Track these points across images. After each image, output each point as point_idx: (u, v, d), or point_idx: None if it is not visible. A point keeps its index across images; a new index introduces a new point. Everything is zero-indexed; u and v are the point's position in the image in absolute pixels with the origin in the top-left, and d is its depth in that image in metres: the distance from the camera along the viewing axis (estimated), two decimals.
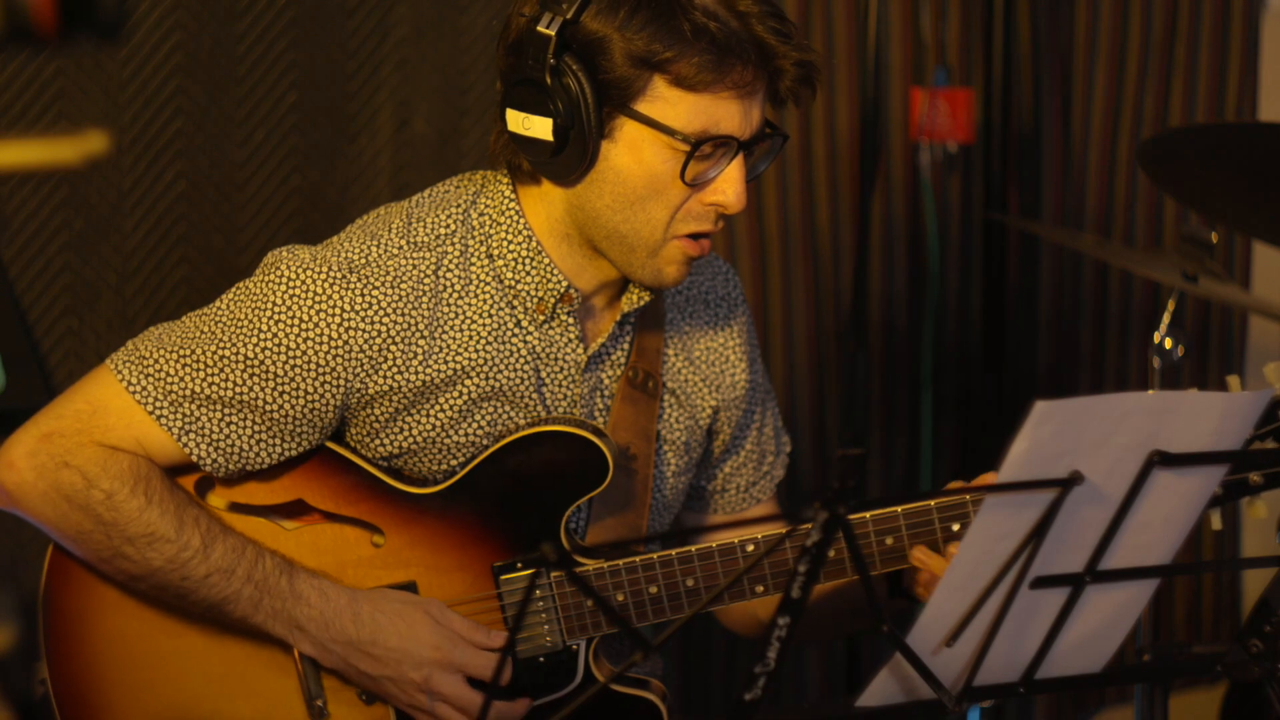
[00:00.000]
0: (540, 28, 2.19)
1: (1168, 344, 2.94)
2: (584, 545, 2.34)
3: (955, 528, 2.24)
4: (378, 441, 2.30)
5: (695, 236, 2.26)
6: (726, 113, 2.20)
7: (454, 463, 2.31)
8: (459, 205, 2.32)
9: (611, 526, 2.35)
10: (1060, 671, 1.95)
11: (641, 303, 2.35)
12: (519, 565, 2.30)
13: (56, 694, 2.30)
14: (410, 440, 2.30)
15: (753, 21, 2.20)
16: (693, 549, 2.27)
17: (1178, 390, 2.26)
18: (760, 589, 2.27)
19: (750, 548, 2.26)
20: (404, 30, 3.16)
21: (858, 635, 3.48)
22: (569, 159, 2.22)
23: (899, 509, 2.24)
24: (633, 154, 2.22)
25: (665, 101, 2.19)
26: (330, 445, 2.31)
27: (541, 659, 2.29)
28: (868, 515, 2.24)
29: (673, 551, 2.27)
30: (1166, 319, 2.94)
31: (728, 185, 2.23)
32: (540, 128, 2.21)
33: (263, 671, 2.30)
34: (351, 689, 2.30)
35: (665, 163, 2.21)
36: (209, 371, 2.24)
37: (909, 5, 3.53)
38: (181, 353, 2.25)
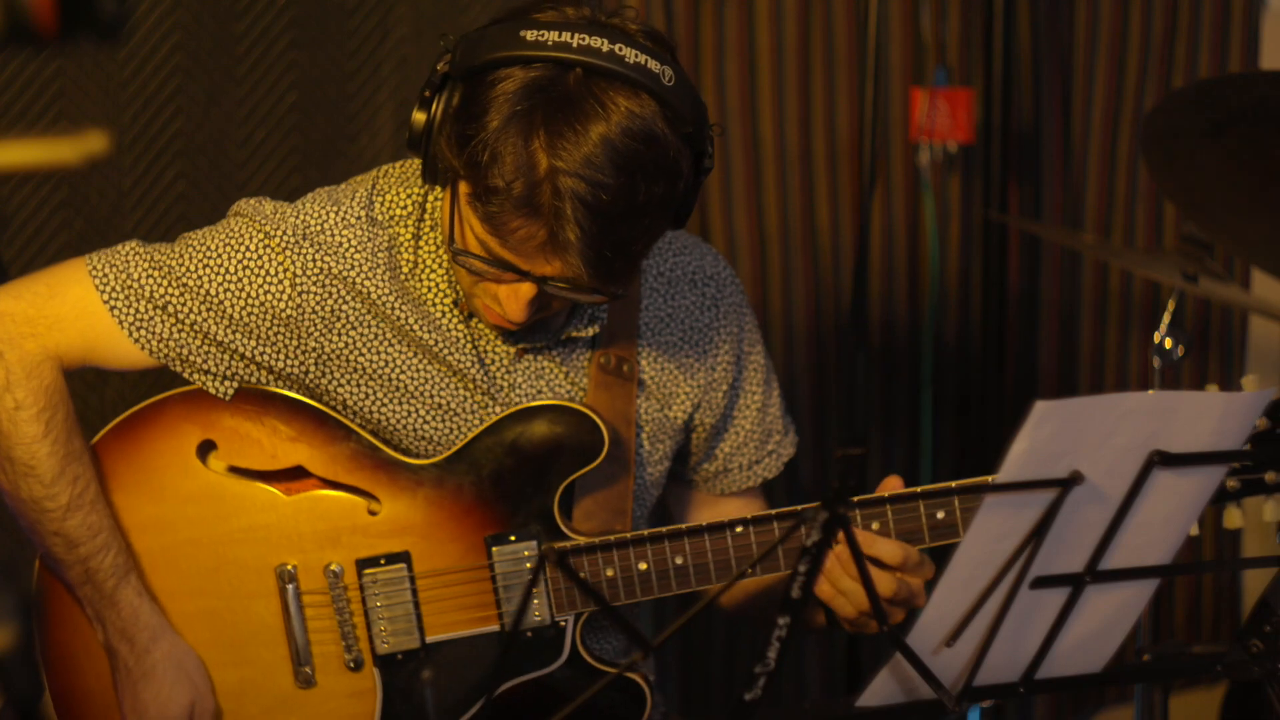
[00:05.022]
0: (439, 63, 2.22)
1: (1168, 344, 2.94)
2: (575, 529, 2.35)
3: (940, 515, 2.25)
4: (349, 409, 2.32)
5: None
6: (511, 254, 2.16)
7: (428, 429, 2.33)
8: (421, 186, 2.34)
9: (596, 512, 2.36)
10: (1060, 671, 1.95)
11: (588, 334, 2.36)
12: (511, 538, 2.31)
13: (45, 660, 2.33)
14: (379, 405, 2.33)
15: (565, 223, 2.09)
16: (683, 527, 2.29)
17: (1177, 390, 2.26)
18: (749, 570, 2.28)
19: (739, 529, 2.27)
20: (404, 30, 3.15)
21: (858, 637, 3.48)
22: (420, 166, 2.25)
23: (884, 493, 2.26)
24: (447, 205, 2.24)
25: (466, 200, 2.18)
26: (329, 412, 2.34)
27: (529, 634, 2.31)
28: (854, 499, 2.26)
29: (663, 529, 2.29)
30: (1166, 319, 2.94)
31: (508, 298, 2.21)
32: (412, 125, 2.23)
33: (250, 640, 2.32)
34: (340, 657, 2.31)
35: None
36: (170, 289, 2.29)
37: (909, 5, 3.53)
38: (152, 263, 2.30)
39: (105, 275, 2.28)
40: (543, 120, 2.09)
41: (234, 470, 2.32)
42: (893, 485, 2.29)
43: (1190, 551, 3.84)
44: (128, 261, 2.29)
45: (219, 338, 2.28)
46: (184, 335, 2.28)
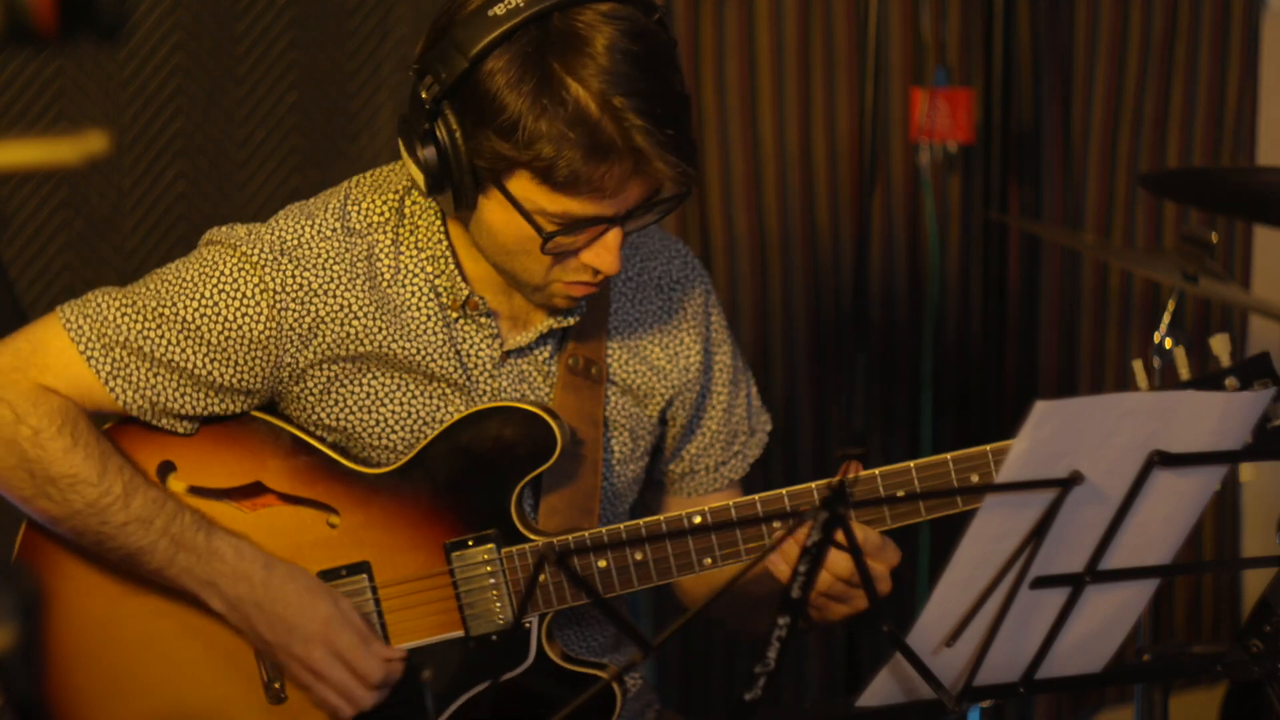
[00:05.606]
0: (422, 91, 2.19)
1: (1168, 344, 2.94)
2: (539, 529, 2.35)
3: (900, 494, 2.25)
4: (315, 414, 2.32)
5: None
6: (594, 205, 2.18)
7: (394, 438, 2.32)
8: (395, 191, 2.34)
9: (561, 511, 2.36)
10: (1060, 671, 1.95)
11: (567, 323, 2.36)
12: (470, 543, 2.31)
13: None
14: (346, 412, 2.32)
15: (633, 132, 2.12)
16: (641, 523, 2.28)
17: (1177, 390, 2.26)
18: (708, 561, 2.28)
19: (698, 519, 2.27)
20: (404, 30, 3.16)
21: (857, 634, 3.48)
22: (448, 201, 2.24)
23: (856, 474, 2.25)
24: (504, 213, 2.22)
25: (528, 187, 2.18)
26: (285, 426, 2.33)
27: (494, 637, 2.31)
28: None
29: (621, 526, 2.29)
30: (1166, 319, 2.94)
31: (600, 253, 2.22)
32: (421, 169, 2.21)
33: (222, 659, 2.32)
34: None
35: (532, 230, 2.20)
36: (145, 325, 2.27)
37: (909, 5, 3.53)
38: (125, 301, 2.29)
39: (80, 327, 2.28)
40: (560, 70, 2.13)
41: (194, 490, 2.32)
42: (853, 470, 2.28)
43: (1190, 551, 3.84)
44: (100, 307, 2.28)
45: (195, 370, 2.27)
46: (159, 378, 2.27)
